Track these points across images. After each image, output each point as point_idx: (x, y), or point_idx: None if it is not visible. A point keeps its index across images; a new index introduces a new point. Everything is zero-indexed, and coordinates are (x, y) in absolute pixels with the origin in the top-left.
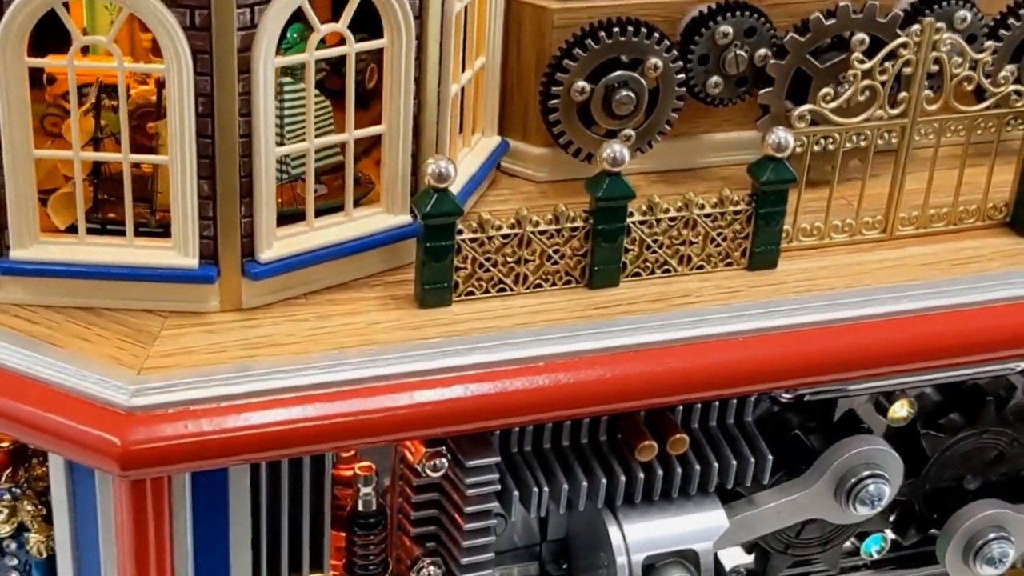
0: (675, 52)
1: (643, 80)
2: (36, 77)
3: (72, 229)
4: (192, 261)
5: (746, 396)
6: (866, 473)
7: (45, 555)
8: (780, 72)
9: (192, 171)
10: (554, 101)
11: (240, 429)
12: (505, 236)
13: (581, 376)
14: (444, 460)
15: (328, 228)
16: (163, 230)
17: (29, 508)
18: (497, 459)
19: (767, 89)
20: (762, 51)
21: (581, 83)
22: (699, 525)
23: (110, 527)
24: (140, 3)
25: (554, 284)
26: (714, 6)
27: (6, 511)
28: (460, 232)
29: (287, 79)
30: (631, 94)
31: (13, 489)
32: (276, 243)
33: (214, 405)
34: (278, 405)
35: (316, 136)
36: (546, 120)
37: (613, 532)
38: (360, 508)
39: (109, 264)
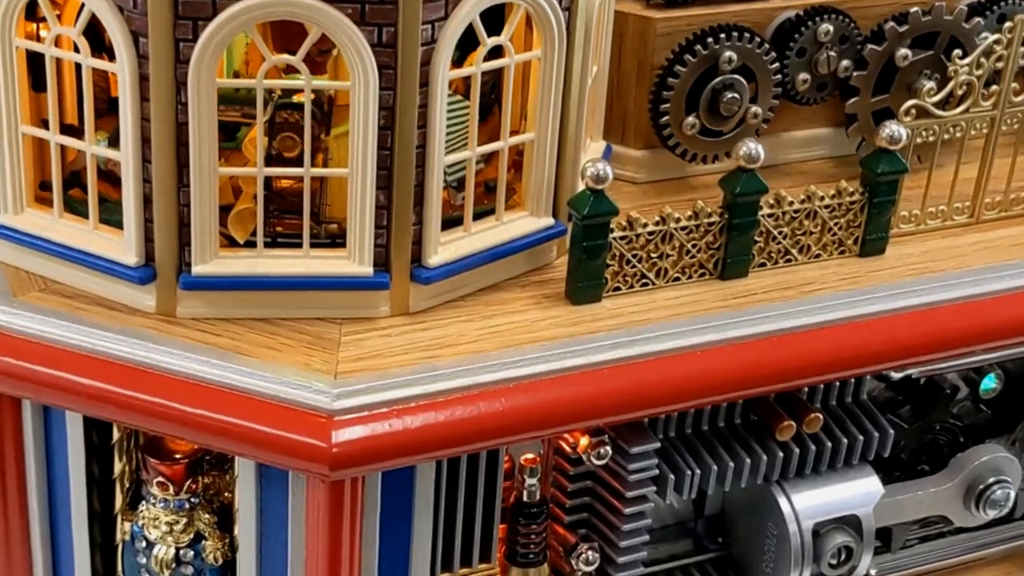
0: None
1: (746, 82)
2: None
3: (245, 244)
4: (367, 269)
5: (864, 375)
6: (992, 480)
7: (221, 562)
8: (863, 82)
9: (371, 182)
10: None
11: (435, 426)
12: (651, 233)
13: (736, 362)
14: (608, 448)
15: (482, 233)
16: (330, 240)
17: (205, 517)
18: (657, 445)
19: (853, 99)
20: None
21: (729, 53)
22: (858, 491)
23: (300, 528)
24: (332, 21)
25: (690, 277)
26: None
27: (184, 520)
28: (611, 231)
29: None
30: (737, 95)
31: (191, 499)
32: (440, 249)
33: (410, 404)
34: (468, 401)
35: (463, 146)
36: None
37: (782, 502)
38: (525, 498)
39: (288, 275)
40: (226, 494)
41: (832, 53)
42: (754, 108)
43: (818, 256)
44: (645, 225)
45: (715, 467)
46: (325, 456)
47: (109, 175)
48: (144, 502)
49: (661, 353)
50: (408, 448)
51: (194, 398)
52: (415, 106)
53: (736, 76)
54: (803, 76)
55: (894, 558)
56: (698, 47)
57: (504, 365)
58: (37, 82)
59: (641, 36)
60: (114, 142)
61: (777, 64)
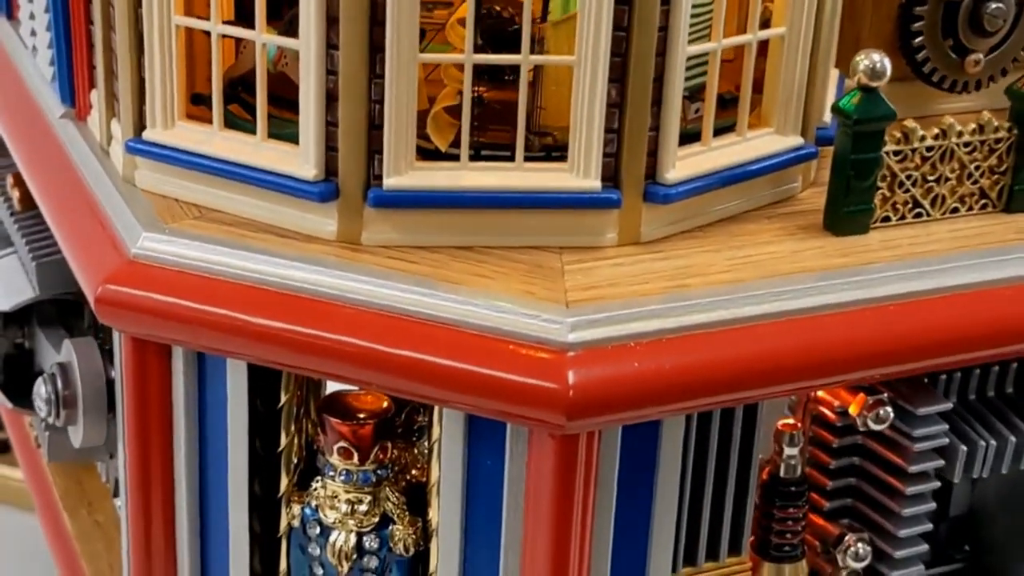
0: None
1: None
2: None
3: (442, 157)
4: (594, 183)
5: None
6: None
7: (411, 552)
8: None
9: (603, 72)
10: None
11: (690, 366)
12: (929, 148)
13: None
14: (888, 410)
15: (723, 148)
16: (544, 154)
17: (393, 496)
18: (949, 405)
19: None
20: None
21: None
22: None
23: (518, 502)
24: None
25: (970, 208)
26: None
27: (369, 499)
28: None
29: None
30: (1002, 5)
31: (378, 471)
32: (678, 164)
33: (660, 339)
34: (731, 337)
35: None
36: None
37: None
38: (783, 474)
39: (498, 190)
40: (413, 471)
41: None
42: (974, 56)
43: None
44: (923, 138)
45: (1012, 438)
46: (560, 400)
47: (274, 87)
48: (319, 478)
49: (961, 288)
50: (658, 393)
51: (392, 335)
52: None
53: None
54: None
55: None
56: None
57: (771, 296)
58: None
59: None
60: (287, 33)
61: None
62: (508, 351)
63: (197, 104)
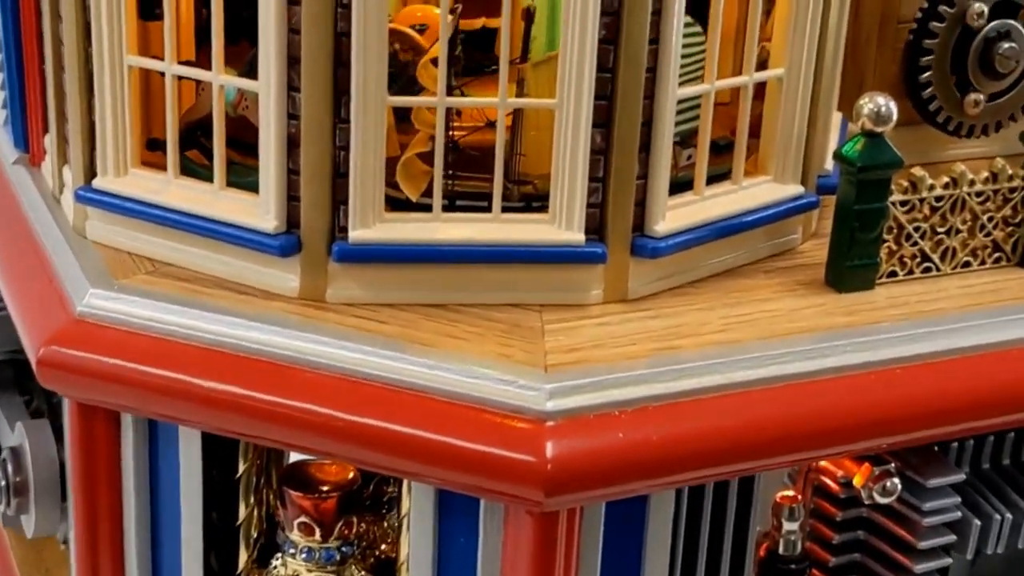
0: None
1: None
2: None
3: (413, 207)
4: (577, 236)
5: None
6: None
7: None
8: None
9: (587, 116)
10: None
11: (682, 436)
12: (938, 199)
13: None
14: (896, 481)
15: (717, 198)
16: (523, 205)
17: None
18: (961, 476)
19: None
20: None
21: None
22: None
23: None
24: None
25: (983, 262)
26: None
27: None
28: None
29: None
30: (1015, 45)
31: (343, 548)
32: (668, 214)
33: (648, 406)
34: (726, 404)
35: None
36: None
37: None
38: (782, 550)
39: (473, 243)
40: (383, 546)
41: None
42: (975, 96)
43: None
44: (932, 187)
45: None
46: (537, 475)
47: (235, 132)
48: (279, 555)
49: (973, 350)
50: (645, 467)
51: (357, 402)
52: (647, 12)
53: (1013, 22)
54: None
55: None
56: None
57: (768, 359)
58: (144, 9)
59: None
60: (247, 74)
61: None
62: (482, 420)
63: (154, 150)
